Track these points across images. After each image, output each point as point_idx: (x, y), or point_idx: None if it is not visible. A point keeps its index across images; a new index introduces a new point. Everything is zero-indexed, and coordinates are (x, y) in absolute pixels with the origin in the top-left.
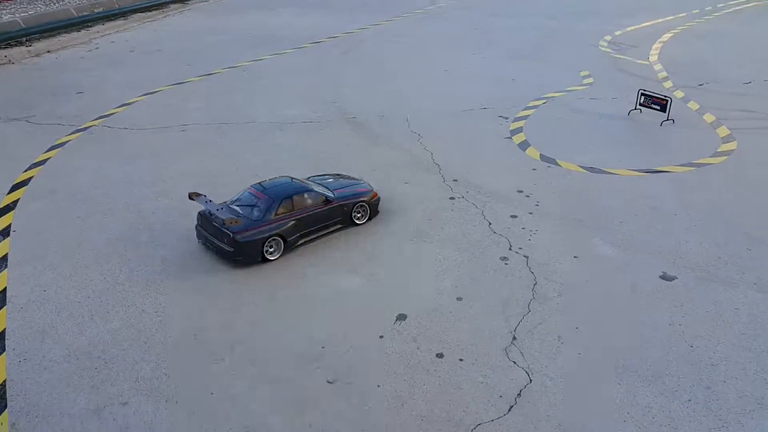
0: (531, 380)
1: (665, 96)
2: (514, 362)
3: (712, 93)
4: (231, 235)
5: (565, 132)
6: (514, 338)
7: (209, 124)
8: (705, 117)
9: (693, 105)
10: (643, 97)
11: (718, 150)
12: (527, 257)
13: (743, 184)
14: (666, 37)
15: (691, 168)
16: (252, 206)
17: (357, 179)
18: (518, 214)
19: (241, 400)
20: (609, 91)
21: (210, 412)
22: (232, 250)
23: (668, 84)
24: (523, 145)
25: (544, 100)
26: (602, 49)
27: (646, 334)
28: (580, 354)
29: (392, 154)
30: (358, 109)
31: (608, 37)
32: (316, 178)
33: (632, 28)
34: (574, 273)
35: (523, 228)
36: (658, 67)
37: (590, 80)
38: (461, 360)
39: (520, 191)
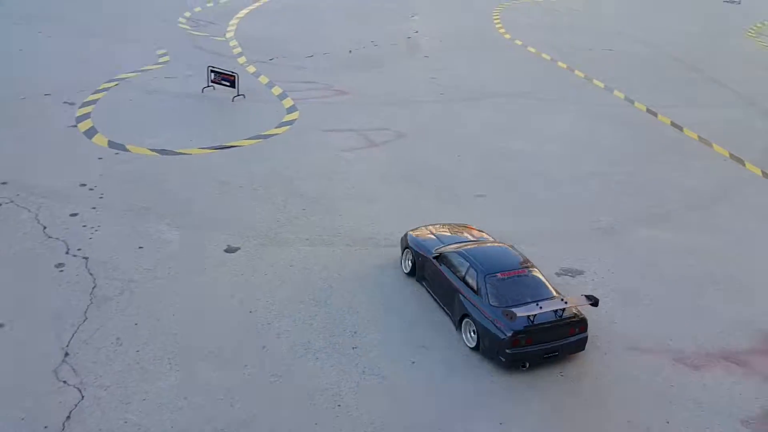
0: (83, 396)
1: (232, 72)
2: (65, 382)
3: (281, 67)
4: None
5: (137, 115)
6: (67, 354)
7: None
8: (273, 90)
9: (263, 79)
10: (213, 74)
11: (283, 120)
12: (87, 258)
13: (301, 150)
14: (243, 12)
15: (259, 140)
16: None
17: None
18: (79, 211)
19: None
20: (185, 69)
21: None
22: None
23: (242, 60)
24: (90, 133)
25: (116, 82)
26: (181, 26)
27: (208, 311)
28: (138, 351)
29: None
30: None
31: (188, 14)
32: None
33: (211, 3)
34: (138, 265)
35: (84, 226)
36: (233, 43)
37: (166, 59)
38: None
39: (84, 185)
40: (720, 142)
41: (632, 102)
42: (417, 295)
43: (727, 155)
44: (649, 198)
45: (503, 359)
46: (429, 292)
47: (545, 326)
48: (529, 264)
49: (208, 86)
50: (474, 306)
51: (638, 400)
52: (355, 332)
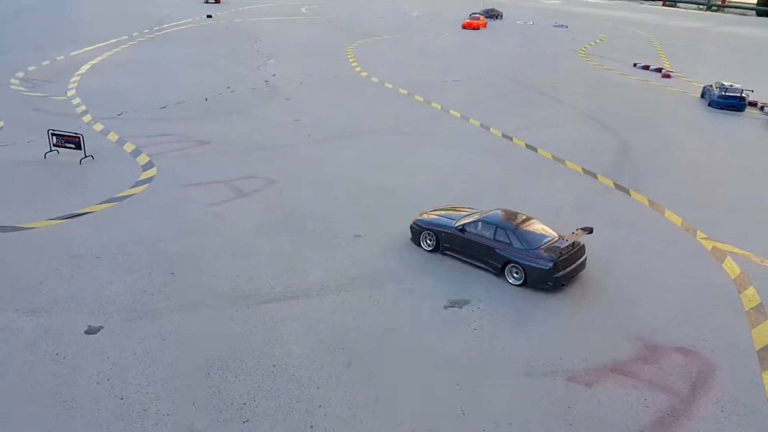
0: None
1: (76, 133)
2: None
3: (131, 121)
4: None
5: None
6: None
7: None
8: (125, 147)
9: (113, 136)
10: (55, 138)
11: (139, 179)
12: None
13: (163, 209)
14: (85, 68)
15: (113, 203)
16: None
17: None
18: None
19: None
20: (23, 134)
21: None
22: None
23: (87, 118)
24: None
25: None
26: (13, 87)
27: (73, 403)
28: None
29: None
30: None
31: (20, 74)
32: None
33: (47, 62)
34: None
35: None
36: (77, 101)
37: (0, 124)
38: None
39: None
40: (571, 158)
41: (488, 128)
42: (317, 355)
43: (581, 170)
44: (525, 210)
45: (550, 284)
46: (458, 257)
47: (567, 254)
48: (529, 216)
49: (51, 151)
50: (513, 252)
51: (541, 426)
52: (244, 404)
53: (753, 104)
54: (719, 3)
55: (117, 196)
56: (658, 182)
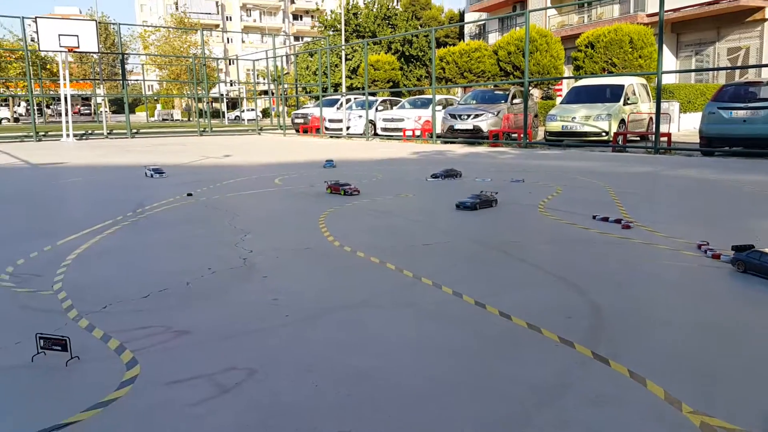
0: None
1: (62, 336)
2: None
3: (115, 315)
4: None
5: None
6: None
7: None
8: (110, 344)
9: (97, 332)
10: (42, 341)
11: (123, 380)
12: None
13: (146, 416)
14: (70, 258)
15: (99, 410)
16: None
17: None
18: None
19: None
20: (12, 335)
21: None
22: None
23: (73, 313)
24: None
25: None
26: (2, 284)
27: None
28: None
29: None
30: None
31: (10, 269)
32: None
33: (35, 253)
34: None
35: None
36: (62, 295)
37: None
38: None
39: None
40: (546, 325)
41: (461, 295)
42: None
43: (557, 339)
44: (501, 401)
45: None
46: None
47: None
48: None
49: (38, 353)
50: None
51: None
52: None
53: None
54: (666, 145)
55: (102, 400)
56: (637, 348)
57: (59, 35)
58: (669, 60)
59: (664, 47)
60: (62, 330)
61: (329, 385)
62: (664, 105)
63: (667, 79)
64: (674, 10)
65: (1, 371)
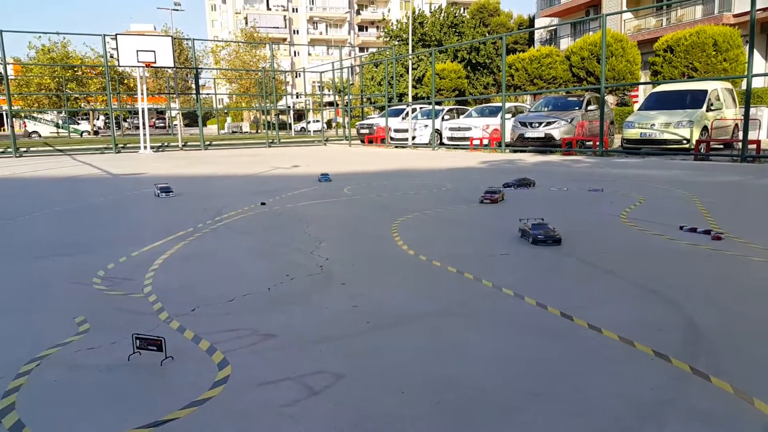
0: None
1: (158, 337)
2: None
3: (204, 317)
4: None
5: (62, 401)
6: None
7: None
8: (201, 345)
9: (189, 334)
10: (138, 341)
11: (216, 380)
12: None
13: (241, 416)
14: (158, 263)
15: (194, 408)
16: None
17: None
18: None
19: None
20: (108, 336)
21: None
22: None
23: (163, 315)
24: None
25: (36, 362)
26: (96, 287)
27: None
28: None
29: None
30: None
31: (101, 273)
32: None
33: (123, 258)
34: None
35: None
36: (152, 298)
37: (86, 327)
38: None
39: None
40: (638, 338)
41: (545, 306)
42: None
43: (651, 353)
44: (598, 415)
45: None
46: None
47: None
48: None
49: (134, 353)
50: None
51: None
52: None
53: None
54: (754, 153)
55: (198, 399)
56: (738, 363)
57: (137, 51)
58: (759, 63)
59: (755, 49)
60: (155, 331)
61: (416, 392)
62: (752, 111)
63: (756, 83)
64: (765, 9)
65: (100, 370)
